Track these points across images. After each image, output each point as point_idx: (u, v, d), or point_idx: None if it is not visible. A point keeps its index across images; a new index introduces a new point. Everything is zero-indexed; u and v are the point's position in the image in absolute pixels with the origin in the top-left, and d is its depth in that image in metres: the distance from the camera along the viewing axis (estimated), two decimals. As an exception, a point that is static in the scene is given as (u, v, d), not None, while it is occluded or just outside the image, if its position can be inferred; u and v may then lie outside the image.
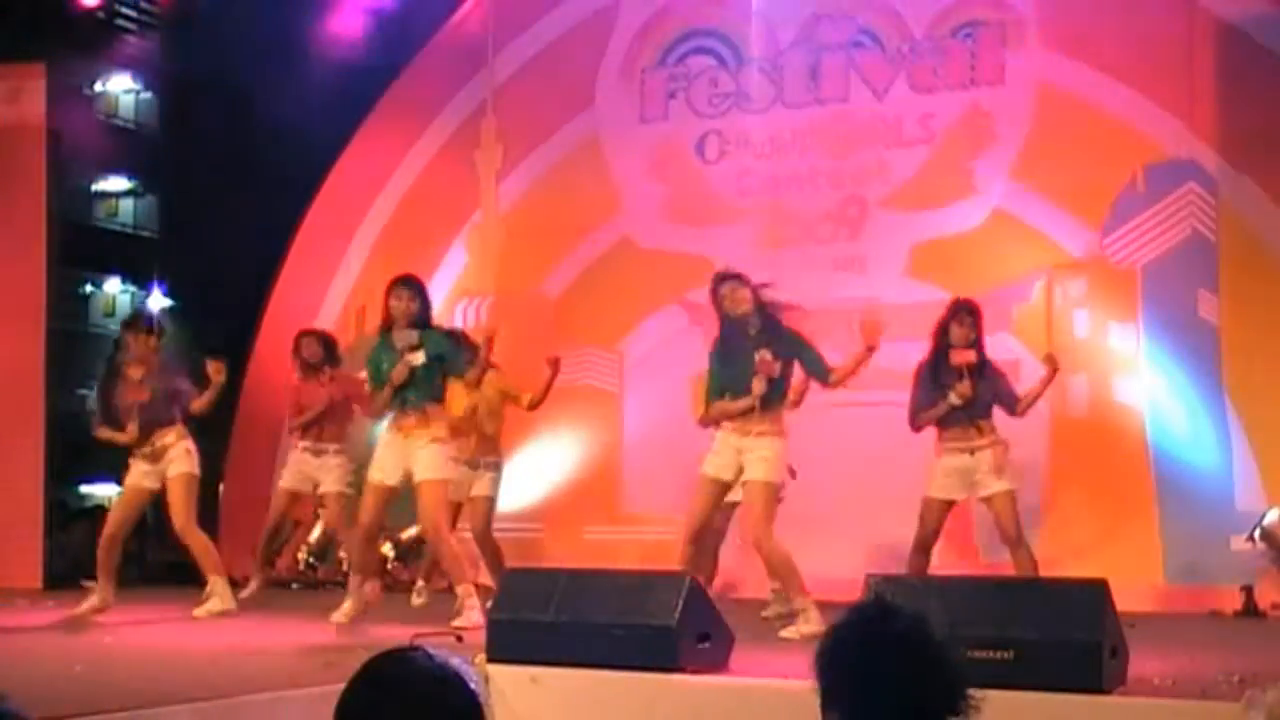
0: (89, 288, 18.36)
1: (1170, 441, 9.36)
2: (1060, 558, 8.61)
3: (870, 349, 7.24)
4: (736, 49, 10.99)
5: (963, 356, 7.65)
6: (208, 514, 9.33)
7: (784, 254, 10.21)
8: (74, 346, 13.96)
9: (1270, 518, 8.49)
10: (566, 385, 9.69)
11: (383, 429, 7.89)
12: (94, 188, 17.47)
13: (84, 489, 16.20)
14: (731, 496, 7.60)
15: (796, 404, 7.94)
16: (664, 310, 10.88)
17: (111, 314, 18.80)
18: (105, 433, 8.53)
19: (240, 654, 6.52)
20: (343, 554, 10.55)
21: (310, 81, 11.01)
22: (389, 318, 7.68)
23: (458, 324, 10.48)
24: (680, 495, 10.30)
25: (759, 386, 7.15)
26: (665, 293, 10.85)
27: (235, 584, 8.88)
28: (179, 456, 8.30)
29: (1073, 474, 9.49)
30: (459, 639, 6.49)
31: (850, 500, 9.85)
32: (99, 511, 14.74)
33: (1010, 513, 7.65)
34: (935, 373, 7.74)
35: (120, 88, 17.08)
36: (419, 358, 7.55)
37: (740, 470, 7.26)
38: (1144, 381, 9.52)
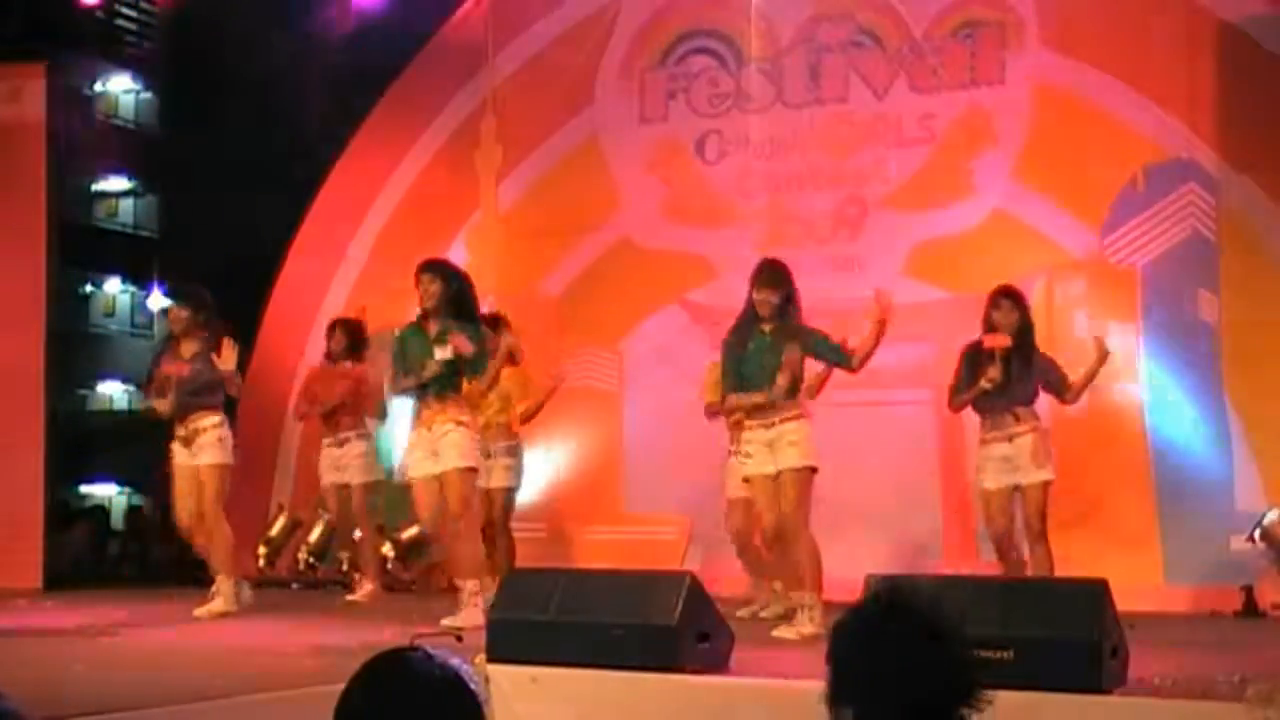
0: (89, 288, 18.39)
1: (1170, 441, 9.35)
2: (1060, 558, 8.60)
3: (882, 323, 7.25)
4: (736, 49, 10.98)
5: (995, 341, 7.69)
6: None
7: (784, 254, 10.13)
8: (74, 346, 13.97)
9: (1270, 518, 8.48)
10: (567, 385, 9.68)
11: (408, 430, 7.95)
12: (94, 188, 17.50)
13: (84, 489, 16.24)
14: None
15: (817, 392, 7.98)
16: (664, 310, 10.88)
17: (111, 314, 18.85)
18: (147, 401, 8.56)
19: (240, 654, 6.52)
20: (343, 554, 10.57)
21: (310, 81, 11.01)
22: (421, 306, 7.80)
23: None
24: (681, 495, 10.36)
25: (783, 380, 7.16)
26: (665, 293, 10.85)
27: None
28: (210, 444, 8.28)
29: (1073, 474, 9.48)
30: (459, 639, 6.48)
31: (851, 500, 9.85)
32: (99, 511, 14.80)
33: (1040, 505, 7.68)
34: (974, 356, 7.79)
35: (120, 88, 17.11)
36: (446, 353, 7.60)
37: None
38: (1144, 381, 9.52)
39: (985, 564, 8.94)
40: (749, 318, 7.41)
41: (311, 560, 10.85)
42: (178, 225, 14.08)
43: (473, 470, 7.74)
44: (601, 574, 6.73)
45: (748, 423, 7.34)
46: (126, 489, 16.74)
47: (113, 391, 18.69)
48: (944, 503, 9.88)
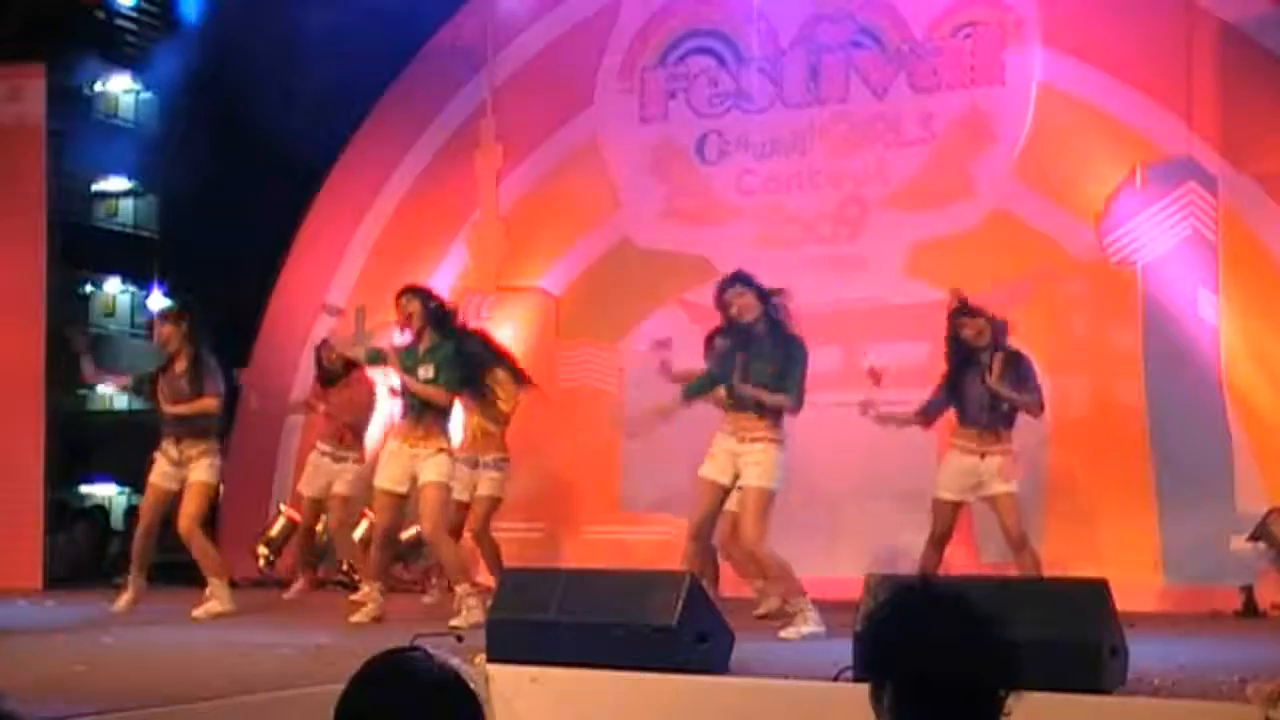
0: (89, 288, 18.38)
1: (1170, 441, 9.34)
2: (1060, 558, 8.61)
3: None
4: (736, 49, 10.98)
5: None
6: (207, 515, 9.35)
7: (784, 254, 10.20)
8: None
9: (1270, 518, 8.48)
10: (567, 385, 9.70)
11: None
12: (94, 188, 17.49)
13: (84, 489, 16.22)
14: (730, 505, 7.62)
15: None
16: (664, 310, 10.87)
17: (111, 314, 18.84)
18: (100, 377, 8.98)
19: (240, 654, 6.52)
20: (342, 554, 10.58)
21: (310, 81, 11.00)
22: (404, 328, 8.18)
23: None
24: (680, 495, 10.34)
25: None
26: (665, 293, 10.84)
27: (234, 585, 8.90)
28: (202, 466, 8.56)
29: (1073, 474, 9.49)
30: (459, 639, 6.48)
31: (850, 500, 9.85)
32: (99, 511, 14.79)
33: (1013, 514, 7.71)
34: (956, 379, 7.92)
35: (120, 88, 17.09)
36: (428, 372, 7.94)
37: (736, 475, 7.28)
38: (1144, 381, 9.51)
39: (985, 564, 8.94)
40: (733, 330, 7.54)
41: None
42: (178, 225, 14.08)
43: (446, 487, 8.11)
44: (601, 574, 6.73)
45: (723, 426, 7.40)
46: (126, 489, 16.71)
47: (113, 391, 18.68)
48: (944, 503, 9.86)
